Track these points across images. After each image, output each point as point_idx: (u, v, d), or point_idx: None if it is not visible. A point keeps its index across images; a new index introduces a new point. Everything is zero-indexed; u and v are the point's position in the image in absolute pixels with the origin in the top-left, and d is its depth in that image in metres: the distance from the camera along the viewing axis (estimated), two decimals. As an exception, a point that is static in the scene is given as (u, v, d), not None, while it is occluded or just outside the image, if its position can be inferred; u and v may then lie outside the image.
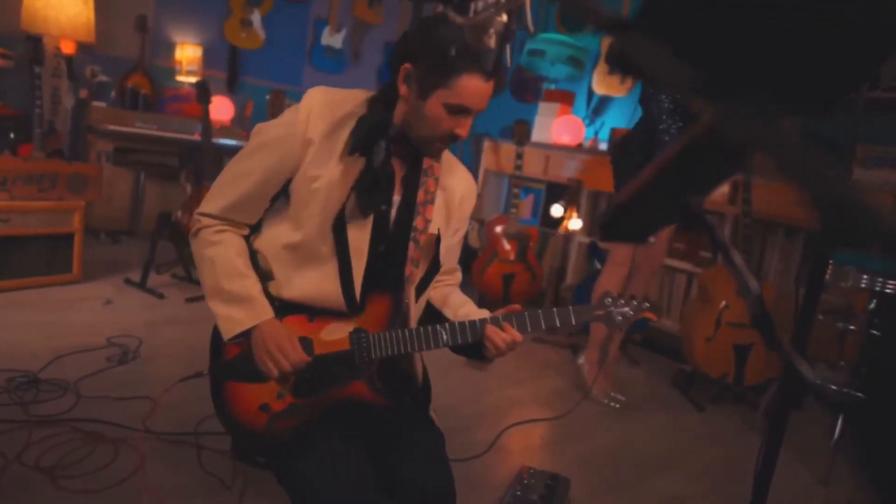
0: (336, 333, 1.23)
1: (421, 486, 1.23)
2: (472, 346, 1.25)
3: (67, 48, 4.08)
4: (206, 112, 3.53)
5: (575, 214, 3.55)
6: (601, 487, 2.05)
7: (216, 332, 1.27)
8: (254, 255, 1.28)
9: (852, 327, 2.43)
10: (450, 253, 1.39)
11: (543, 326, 1.23)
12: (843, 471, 2.33)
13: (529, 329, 1.23)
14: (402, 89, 1.18)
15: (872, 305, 2.31)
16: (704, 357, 2.90)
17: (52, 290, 3.10)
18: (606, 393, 2.75)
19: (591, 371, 2.81)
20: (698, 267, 3.52)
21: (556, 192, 4.59)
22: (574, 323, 1.24)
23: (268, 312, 1.22)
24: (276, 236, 1.25)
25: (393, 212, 1.27)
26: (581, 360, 2.90)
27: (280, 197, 1.26)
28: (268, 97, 3.93)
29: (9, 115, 3.88)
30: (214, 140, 3.66)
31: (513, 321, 1.23)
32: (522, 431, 2.38)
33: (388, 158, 1.22)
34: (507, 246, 3.84)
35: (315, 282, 1.22)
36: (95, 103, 4.24)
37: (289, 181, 1.22)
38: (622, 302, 1.30)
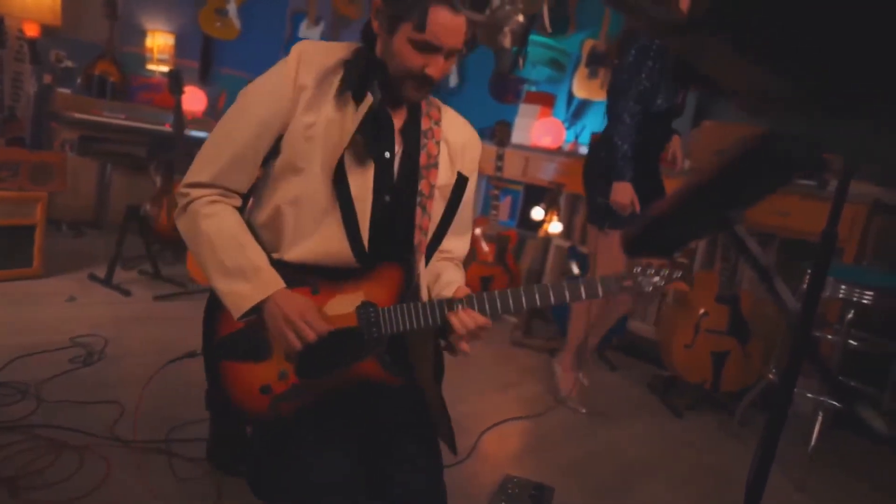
0: (342, 308, 1.15)
1: (413, 490, 1.19)
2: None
3: (31, 30, 3.89)
4: (179, 103, 3.41)
5: (555, 217, 3.53)
6: (586, 496, 2.03)
7: (209, 309, 1.19)
8: (253, 230, 1.20)
9: (830, 336, 2.46)
10: (463, 210, 1.31)
11: (568, 299, 1.10)
12: (820, 477, 2.36)
13: (539, 304, 1.12)
14: (375, 25, 1.15)
15: (850, 316, 2.34)
16: (683, 363, 2.91)
17: (10, 286, 2.94)
18: (578, 399, 2.71)
19: (565, 377, 2.78)
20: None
21: (534, 194, 4.57)
22: (601, 296, 1.14)
23: (278, 282, 1.13)
24: (272, 199, 1.17)
25: (396, 164, 1.21)
26: (556, 367, 2.85)
27: (270, 158, 1.18)
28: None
29: (-34, 100, 3.68)
30: (187, 132, 3.53)
31: (522, 296, 1.13)
32: (503, 438, 2.34)
33: (384, 102, 1.16)
34: (486, 248, 3.80)
35: (320, 235, 1.15)
36: (60, 89, 4.07)
37: (279, 137, 1.16)
38: (651, 271, 1.20)
